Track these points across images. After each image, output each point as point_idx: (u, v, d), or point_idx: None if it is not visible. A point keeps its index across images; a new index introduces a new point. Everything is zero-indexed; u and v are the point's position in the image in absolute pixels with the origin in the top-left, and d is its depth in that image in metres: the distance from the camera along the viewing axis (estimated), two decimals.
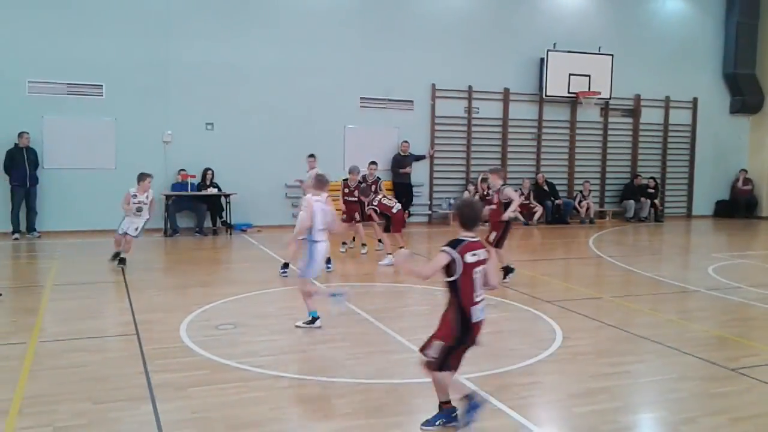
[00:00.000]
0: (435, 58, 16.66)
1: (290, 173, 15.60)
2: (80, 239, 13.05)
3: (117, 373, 5.68)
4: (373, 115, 16.50)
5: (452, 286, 4.41)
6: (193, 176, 14.49)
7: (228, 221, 14.72)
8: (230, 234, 14.53)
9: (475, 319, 4.43)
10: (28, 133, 13.26)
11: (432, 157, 17.19)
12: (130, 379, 5.53)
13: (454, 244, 4.40)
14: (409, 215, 16.60)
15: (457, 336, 4.43)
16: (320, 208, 7.07)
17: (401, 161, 16.47)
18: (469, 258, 4.37)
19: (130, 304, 8.05)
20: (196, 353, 6.20)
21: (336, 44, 15.85)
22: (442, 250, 4.38)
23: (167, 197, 14.10)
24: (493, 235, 9.41)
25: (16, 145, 13.18)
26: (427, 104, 17.03)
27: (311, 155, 12.30)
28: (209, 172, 14.57)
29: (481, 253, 4.46)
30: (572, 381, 5.68)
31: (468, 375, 5.29)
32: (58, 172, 13.76)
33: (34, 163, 13.34)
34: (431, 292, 8.66)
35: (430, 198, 17.34)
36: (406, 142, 16.52)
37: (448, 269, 4.36)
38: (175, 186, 14.37)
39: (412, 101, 16.88)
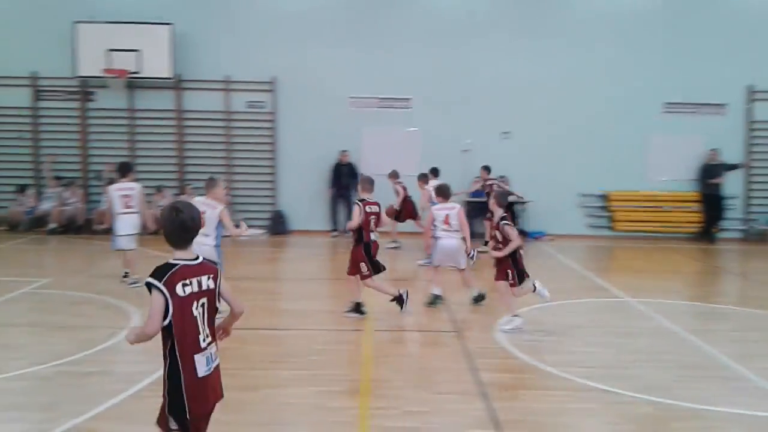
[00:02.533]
0: (750, 57, 14.99)
1: (585, 183, 15.27)
2: (389, 239, 14.17)
3: (446, 367, 6.07)
4: (678, 122, 15.36)
5: (164, 332, 3.24)
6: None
7: (522, 228, 14.84)
8: (525, 241, 14.59)
9: (202, 371, 3.29)
10: (347, 151, 14.82)
11: (747, 167, 15.44)
12: (459, 374, 5.87)
13: (160, 272, 3.23)
14: (719, 230, 15.14)
15: (177, 396, 3.25)
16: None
17: (711, 171, 15.06)
18: (182, 290, 3.23)
19: (447, 304, 8.52)
20: (518, 357, 6.36)
21: (638, 48, 15.09)
22: (148, 284, 3.22)
23: (467, 204, 14.71)
24: None
25: (339, 162, 14.81)
26: (741, 108, 15.37)
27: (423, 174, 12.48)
28: (504, 179, 14.84)
29: (201, 282, 3.31)
30: None
31: None
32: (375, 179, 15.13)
33: (350, 175, 14.85)
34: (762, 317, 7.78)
35: (746, 212, 15.58)
36: (714, 150, 15.08)
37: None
38: (473, 193, 14.91)
39: (724, 105, 15.36)
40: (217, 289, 3.40)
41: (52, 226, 14.16)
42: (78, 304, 8.11)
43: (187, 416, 3.27)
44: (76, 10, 14.26)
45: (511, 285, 7.21)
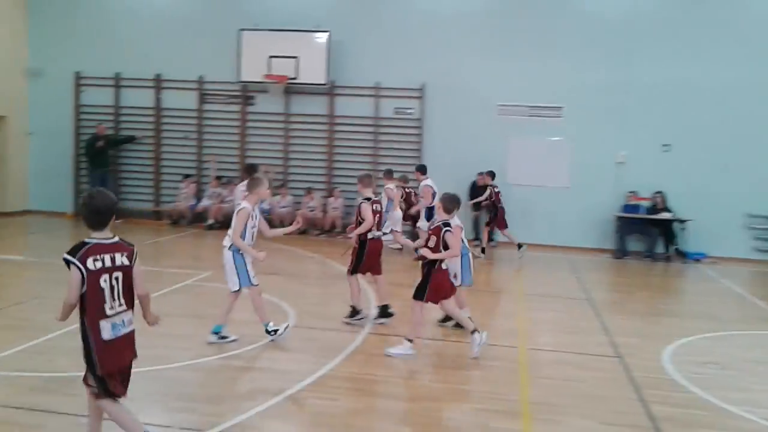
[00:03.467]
0: None
1: (754, 202, 13.99)
2: (537, 252, 13.75)
3: (612, 395, 5.69)
4: None
5: (80, 300, 3.82)
6: (646, 199, 14.05)
7: (681, 249, 13.86)
8: (684, 262, 13.64)
9: (107, 335, 3.83)
10: (485, 174, 14.36)
11: None
12: (627, 404, 5.48)
13: (75, 249, 3.81)
14: None
15: (90, 359, 3.86)
16: None
17: None
18: (93, 265, 3.79)
19: (603, 324, 8.07)
20: (689, 390, 5.84)
21: None
22: (65, 259, 3.80)
23: (617, 218, 13.97)
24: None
25: (475, 182, 14.51)
26: None
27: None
28: (660, 196, 13.92)
29: (115, 258, 3.89)
30: None
31: None
32: (518, 189, 14.78)
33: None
34: None
35: None
36: None
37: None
38: (626, 208, 14.13)
39: None
40: (133, 267, 3.96)
41: (210, 221, 15.02)
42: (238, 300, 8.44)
43: (98, 372, 3.85)
44: (242, 19, 15.07)
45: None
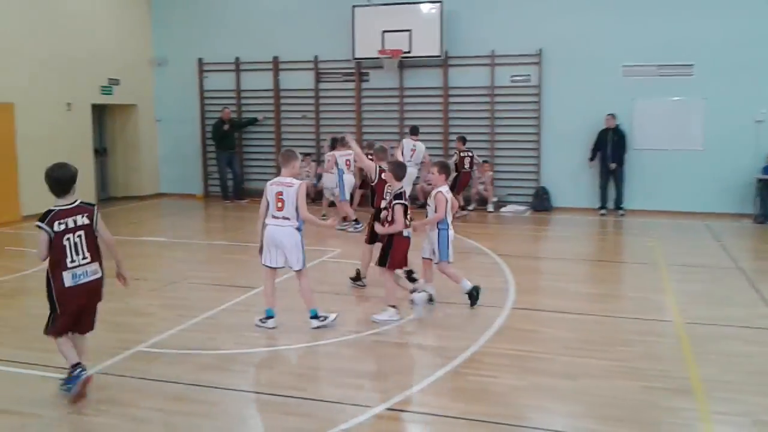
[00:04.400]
0: None
1: None
2: (667, 219, 13.11)
3: None
4: None
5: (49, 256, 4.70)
6: None
7: None
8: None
9: (68, 282, 4.70)
10: (613, 115, 13.89)
11: None
12: None
13: (44, 216, 4.68)
14: None
15: (52, 299, 4.75)
16: None
17: None
18: (57, 227, 4.65)
19: (761, 295, 7.58)
20: None
21: None
22: (36, 225, 4.68)
23: (758, 180, 13.05)
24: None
25: (605, 127, 13.93)
26: None
27: None
28: None
29: (76, 220, 4.73)
30: None
31: None
32: (646, 153, 14.09)
33: (618, 143, 13.89)
34: None
35: None
36: None
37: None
38: None
39: None
40: (94, 224, 4.82)
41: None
42: (373, 275, 8.54)
43: (57, 311, 4.75)
44: None
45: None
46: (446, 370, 5.39)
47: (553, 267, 9.62)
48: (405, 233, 6.67)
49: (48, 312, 4.80)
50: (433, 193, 7.09)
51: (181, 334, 6.35)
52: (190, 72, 16.76)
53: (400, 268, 6.99)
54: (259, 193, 7.09)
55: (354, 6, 14.97)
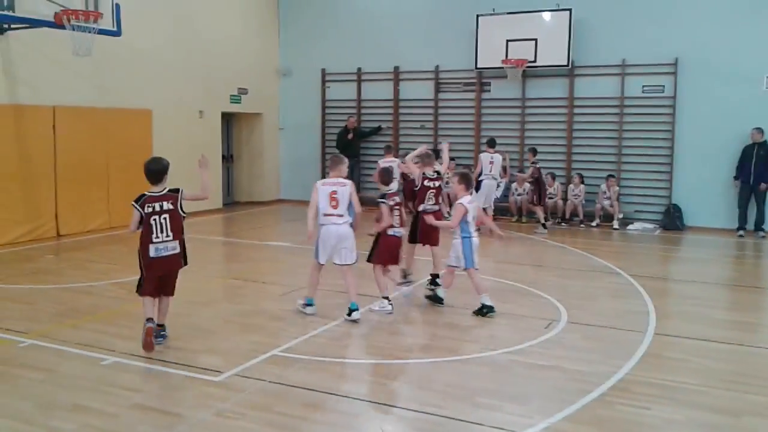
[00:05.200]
0: None
1: None
2: None
3: None
4: None
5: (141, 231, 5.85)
6: None
7: None
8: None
9: (152, 254, 5.81)
10: (760, 129, 12.91)
11: None
12: None
13: (138, 198, 5.83)
14: None
15: (141, 266, 5.92)
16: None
17: None
18: (147, 209, 5.79)
19: None
20: None
21: None
22: (132, 204, 5.83)
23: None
24: None
25: (751, 142, 12.98)
26: None
27: None
28: None
29: (163, 205, 5.85)
30: None
31: None
32: None
33: (766, 160, 12.88)
34: None
35: None
36: None
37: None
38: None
39: None
40: (178, 208, 5.90)
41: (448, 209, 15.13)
42: (503, 291, 8.30)
43: (144, 274, 5.90)
44: (479, 5, 14.91)
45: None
46: (592, 397, 5.06)
47: (692, 291, 8.95)
48: (390, 232, 7.22)
49: (138, 276, 5.96)
50: (456, 203, 7.30)
51: (313, 341, 6.36)
52: (314, 82, 17.14)
53: (386, 264, 7.39)
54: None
55: (478, 15, 14.79)
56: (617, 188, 13.97)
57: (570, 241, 12.52)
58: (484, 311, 7.14)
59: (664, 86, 13.95)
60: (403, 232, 7.44)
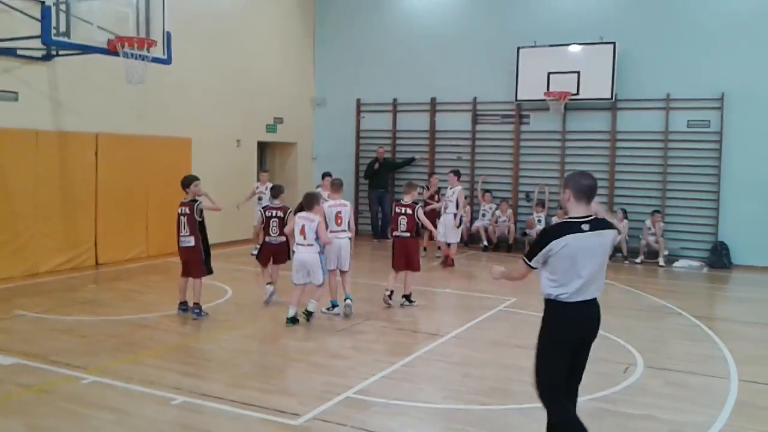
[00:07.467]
0: None
1: None
2: None
3: None
4: None
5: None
6: None
7: None
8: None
9: (180, 245, 8.17)
10: None
11: None
12: None
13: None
14: None
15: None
16: None
17: None
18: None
19: None
20: None
21: None
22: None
23: None
24: None
25: None
26: None
27: None
28: None
29: (183, 210, 8.12)
30: None
31: None
32: None
33: None
34: None
35: None
36: None
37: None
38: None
39: None
40: (195, 213, 7.99)
41: (484, 243, 14.88)
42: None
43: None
44: (520, 37, 14.81)
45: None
46: None
47: (762, 334, 8.61)
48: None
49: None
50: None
51: (385, 382, 6.08)
52: (349, 112, 17.05)
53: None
54: None
55: (519, 47, 14.69)
56: (662, 224, 13.66)
57: (613, 277, 12.16)
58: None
59: (710, 121, 13.73)
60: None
